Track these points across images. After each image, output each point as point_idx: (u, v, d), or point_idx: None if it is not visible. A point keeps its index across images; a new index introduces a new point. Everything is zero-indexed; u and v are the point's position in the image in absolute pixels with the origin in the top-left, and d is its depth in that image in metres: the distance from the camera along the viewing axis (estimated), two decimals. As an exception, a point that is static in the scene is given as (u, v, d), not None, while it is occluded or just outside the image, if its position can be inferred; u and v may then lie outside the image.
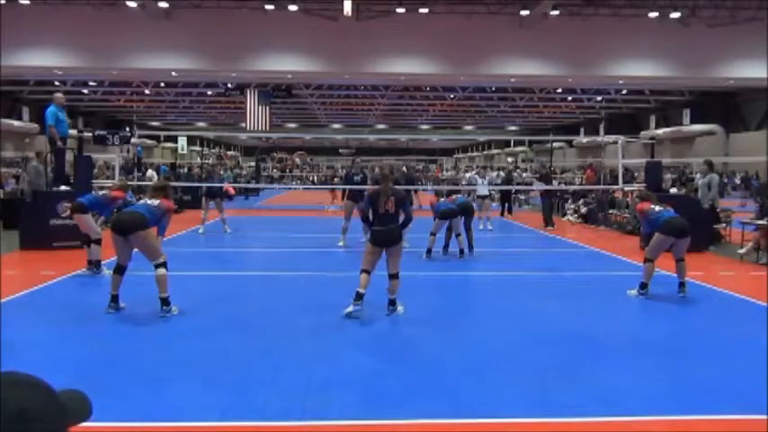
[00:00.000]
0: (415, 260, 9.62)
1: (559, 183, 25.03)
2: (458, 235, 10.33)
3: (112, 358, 4.87)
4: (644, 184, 12.32)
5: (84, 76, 28.56)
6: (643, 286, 7.31)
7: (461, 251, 10.34)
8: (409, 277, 6.77)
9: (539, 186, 17.16)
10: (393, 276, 6.32)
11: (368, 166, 15.59)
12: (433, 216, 10.30)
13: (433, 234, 10.22)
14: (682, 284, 7.32)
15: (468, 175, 24.01)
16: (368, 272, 6.29)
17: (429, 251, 10.20)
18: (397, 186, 7.02)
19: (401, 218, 6.48)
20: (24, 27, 18.90)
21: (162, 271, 6.11)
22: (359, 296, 6.20)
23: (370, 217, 6.44)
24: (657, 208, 7.44)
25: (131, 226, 6.07)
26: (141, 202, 6.81)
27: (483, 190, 15.52)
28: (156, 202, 6.48)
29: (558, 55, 21.09)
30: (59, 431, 0.88)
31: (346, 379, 4.44)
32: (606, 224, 15.65)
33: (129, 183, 16.91)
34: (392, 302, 6.37)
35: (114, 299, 6.24)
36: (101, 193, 8.81)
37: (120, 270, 6.24)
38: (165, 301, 6.14)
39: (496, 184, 18.41)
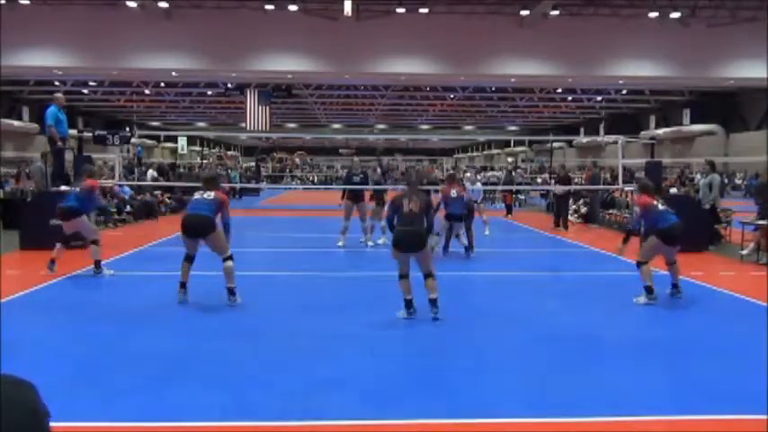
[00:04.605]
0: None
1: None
2: (457, 235, 10.40)
3: (112, 358, 4.87)
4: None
5: (84, 76, 28.53)
6: (649, 290, 6.89)
7: (466, 249, 10.39)
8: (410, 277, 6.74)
9: (557, 188, 16.69)
10: (427, 276, 6.21)
11: (369, 165, 15.39)
12: (440, 203, 10.01)
13: (437, 234, 10.18)
14: (675, 286, 7.25)
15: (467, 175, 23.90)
16: (405, 276, 6.19)
17: (431, 249, 10.14)
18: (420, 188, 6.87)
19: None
20: (24, 27, 18.85)
21: (229, 263, 6.55)
22: (408, 303, 6.19)
23: (395, 220, 6.32)
24: (661, 207, 7.21)
25: (202, 231, 6.54)
26: (197, 196, 6.88)
27: (475, 195, 13.12)
28: (211, 194, 6.72)
29: (558, 55, 21.05)
30: (48, 426, 0.89)
31: (346, 379, 4.44)
32: (604, 224, 15.63)
33: (130, 182, 16.95)
34: (433, 302, 6.17)
35: (182, 285, 6.59)
36: (77, 189, 8.48)
37: (189, 259, 6.65)
38: (232, 291, 6.59)
39: (491, 183, 17.91)
